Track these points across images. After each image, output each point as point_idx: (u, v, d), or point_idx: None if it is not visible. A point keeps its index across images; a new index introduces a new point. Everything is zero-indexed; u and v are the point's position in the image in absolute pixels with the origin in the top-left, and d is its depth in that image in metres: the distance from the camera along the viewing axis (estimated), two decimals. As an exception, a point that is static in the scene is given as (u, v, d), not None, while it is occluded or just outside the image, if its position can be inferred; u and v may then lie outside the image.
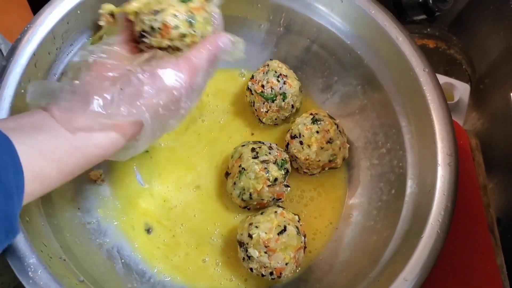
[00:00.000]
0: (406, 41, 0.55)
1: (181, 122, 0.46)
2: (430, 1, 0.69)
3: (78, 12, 0.53)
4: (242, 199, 0.57)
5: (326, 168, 0.60)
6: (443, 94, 0.53)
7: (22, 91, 0.49)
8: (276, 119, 0.63)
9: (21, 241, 0.42)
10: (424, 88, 0.53)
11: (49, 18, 0.51)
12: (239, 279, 0.57)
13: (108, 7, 0.46)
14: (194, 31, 0.44)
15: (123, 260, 0.56)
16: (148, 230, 0.60)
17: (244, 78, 0.69)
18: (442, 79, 0.76)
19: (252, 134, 0.66)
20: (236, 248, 0.55)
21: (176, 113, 0.44)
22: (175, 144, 0.65)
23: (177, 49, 0.44)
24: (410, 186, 0.53)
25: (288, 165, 0.58)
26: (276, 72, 0.61)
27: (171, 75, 0.41)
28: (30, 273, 0.41)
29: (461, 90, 0.77)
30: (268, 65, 0.62)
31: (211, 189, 0.62)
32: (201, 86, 0.45)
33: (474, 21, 0.82)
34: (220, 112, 0.67)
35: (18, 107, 0.49)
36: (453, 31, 0.85)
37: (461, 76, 0.82)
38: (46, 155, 0.37)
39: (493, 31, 0.78)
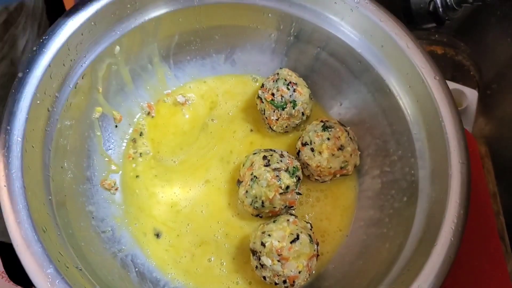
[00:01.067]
0: (416, 49, 0.55)
1: None
2: (440, 9, 0.69)
3: (93, 23, 0.54)
4: (255, 207, 0.57)
5: (338, 175, 0.60)
6: (454, 101, 0.53)
7: (38, 102, 0.50)
8: (286, 126, 0.64)
9: (38, 251, 0.43)
10: (435, 95, 0.53)
11: (64, 30, 0.52)
12: (244, 281, 0.58)
13: None
14: None
15: (137, 269, 0.56)
16: (158, 235, 0.60)
17: (257, 83, 0.69)
18: (450, 85, 0.76)
19: (251, 130, 0.67)
20: (243, 252, 0.56)
21: None
22: (186, 156, 0.65)
23: None
24: (422, 193, 0.53)
25: (299, 173, 0.58)
26: (286, 80, 0.62)
27: None
28: (48, 283, 0.42)
29: (469, 96, 0.77)
30: (278, 73, 0.63)
31: (220, 182, 0.63)
32: None
33: (481, 27, 0.83)
34: (230, 110, 0.68)
35: (34, 118, 0.49)
36: (460, 37, 0.85)
37: (469, 82, 0.82)
38: None
39: (501, 36, 0.79)
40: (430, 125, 0.54)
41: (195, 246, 0.60)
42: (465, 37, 0.85)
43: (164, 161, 0.64)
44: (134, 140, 0.65)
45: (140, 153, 0.64)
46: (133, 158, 0.64)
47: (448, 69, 0.85)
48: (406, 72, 0.56)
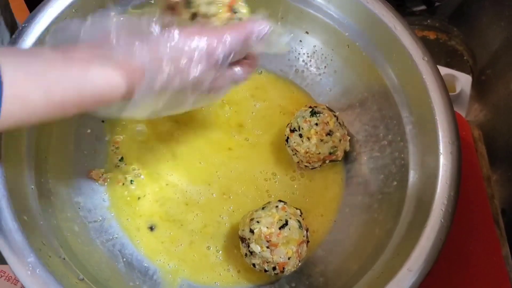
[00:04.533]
0: (404, 31, 0.54)
1: (182, 104, 0.43)
2: (429, -10, 0.68)
3: (74, 10, 0.53)
4: None
5: (327, 161, 0.59)
6: (443, 82, 0.52)
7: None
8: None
9: (19, 240, 0.42)
10: (423, 77, 0.52)
11: (44, 17, 0.51)
12: (234, 269, 0.57)
13: None
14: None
15: (125, 259, 0.55)
16: (151, 228, 0.59)
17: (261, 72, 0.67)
18: (444, 70, 0.76)
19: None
20: (232, 236, 0.55)
21: (180, 82, 0.40)
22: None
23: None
24: (412, 177, 0.52)
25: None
26: None
27: (191, 36, 0.39)
28: (28, 271, 0.41)
29: (463, 81, 0.76)
30: None
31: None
32: (218, 66, 0.41)
33: (474, 11, 0.82)
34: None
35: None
36: (453, 22, 0.84)
37: (463, 67, 0.81)
38: (32, 78, 0.35)
39: (494, 21, 0.78)
40: (420, 107, 0.53)
41: (195, 233, 0.58)
42: (458, 22, 0.84)
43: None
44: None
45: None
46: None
47: (441, 54, 0.84)
48: (394, 54, 0.55)
